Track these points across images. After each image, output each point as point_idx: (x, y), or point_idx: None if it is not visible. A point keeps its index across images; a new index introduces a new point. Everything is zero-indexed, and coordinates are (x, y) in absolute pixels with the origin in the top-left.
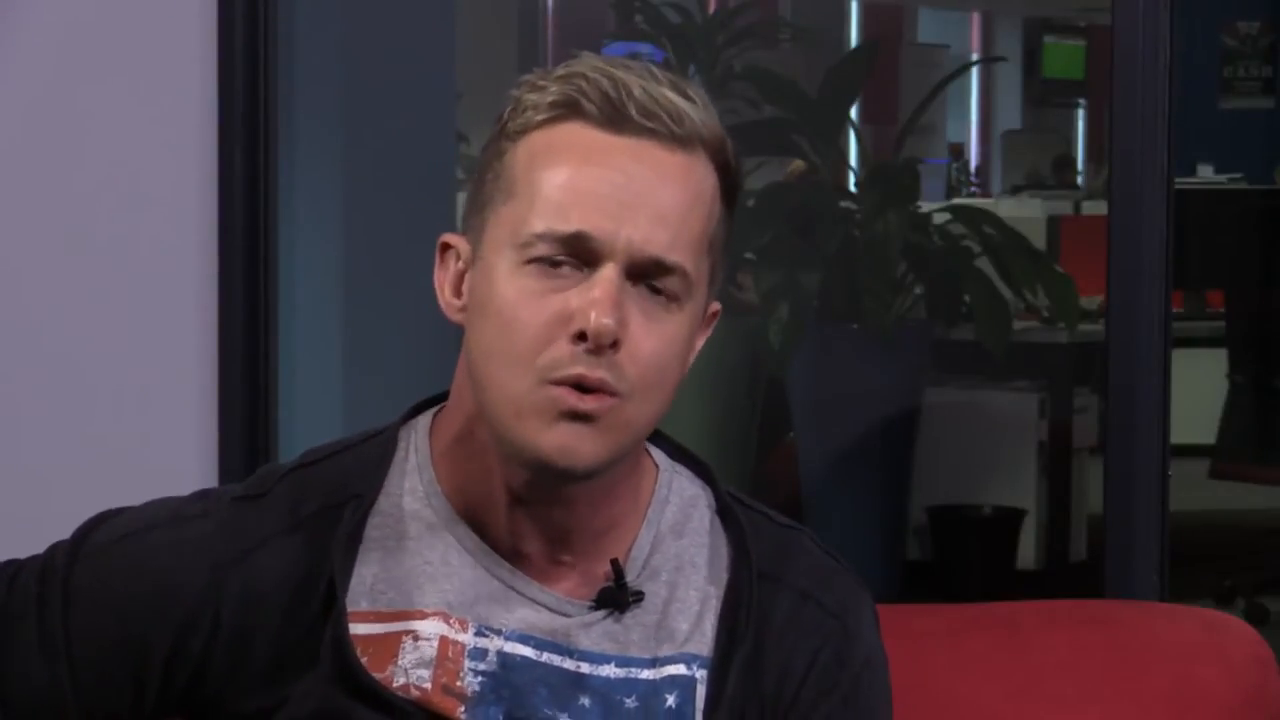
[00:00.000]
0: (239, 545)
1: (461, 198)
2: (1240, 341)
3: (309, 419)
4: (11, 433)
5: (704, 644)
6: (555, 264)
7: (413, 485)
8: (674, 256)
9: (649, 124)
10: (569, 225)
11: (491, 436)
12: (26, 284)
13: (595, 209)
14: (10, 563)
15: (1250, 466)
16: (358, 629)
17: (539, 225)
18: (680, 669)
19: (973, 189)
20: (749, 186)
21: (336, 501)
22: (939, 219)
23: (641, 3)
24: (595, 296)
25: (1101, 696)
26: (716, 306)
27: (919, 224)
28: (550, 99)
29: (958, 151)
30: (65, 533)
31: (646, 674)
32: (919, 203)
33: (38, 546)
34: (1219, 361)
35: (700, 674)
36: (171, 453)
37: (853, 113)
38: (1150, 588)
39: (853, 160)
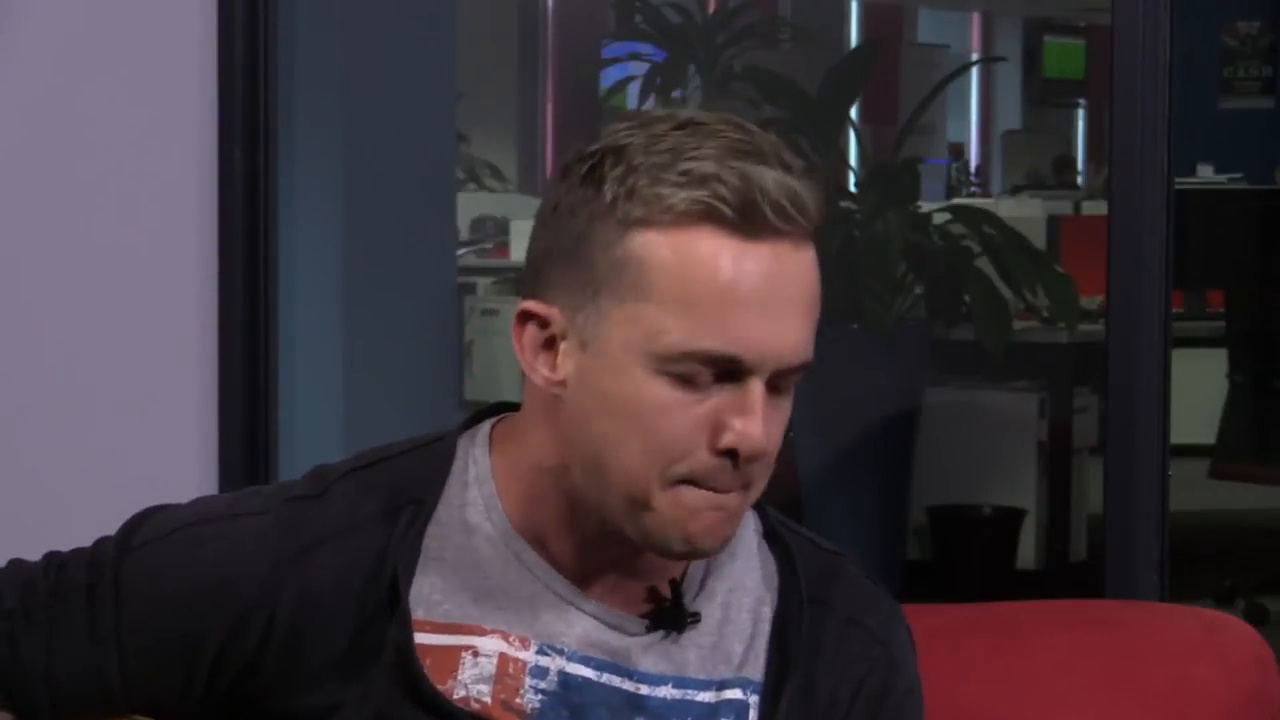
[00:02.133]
0: (299, 542)
1: (463, 199)
2: (1240, 341)
3: (309, 419)
4: (11, 433)
5: (757, 668)
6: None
7: (473, 498)
8: (809, 354)
9: (783, 225)
10: (722, 348)
11: (601, 509)
12: (27, 284)
13: (744, 329)
14: (54, 554)
15: (1250, 466)
16: (419, 637)
17: (686, 344)
18: (736, 693)
19: (973, 189)
20: None
21: (396, 505)
22: (939, 219)
23: (641, 3)
24: (749, 418)
25: (1101, 696)
26: None
27: (919, 224)
28: (682, 205)
29: (958, 151)
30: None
31: (703, 696)
32: (919, 203)
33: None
34: (1219, 361)
35: (753, 699)
36: (171, 453)
37: (853, 113)
38: (1150, 588)
39: (853, 160)
